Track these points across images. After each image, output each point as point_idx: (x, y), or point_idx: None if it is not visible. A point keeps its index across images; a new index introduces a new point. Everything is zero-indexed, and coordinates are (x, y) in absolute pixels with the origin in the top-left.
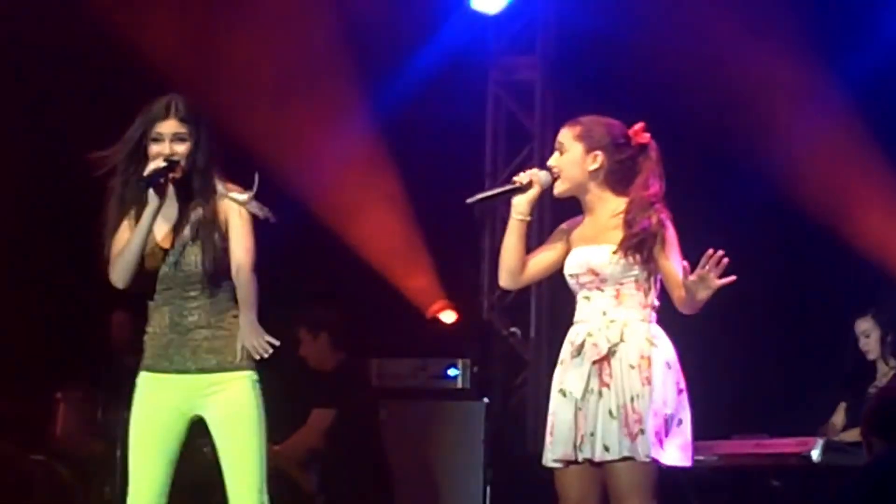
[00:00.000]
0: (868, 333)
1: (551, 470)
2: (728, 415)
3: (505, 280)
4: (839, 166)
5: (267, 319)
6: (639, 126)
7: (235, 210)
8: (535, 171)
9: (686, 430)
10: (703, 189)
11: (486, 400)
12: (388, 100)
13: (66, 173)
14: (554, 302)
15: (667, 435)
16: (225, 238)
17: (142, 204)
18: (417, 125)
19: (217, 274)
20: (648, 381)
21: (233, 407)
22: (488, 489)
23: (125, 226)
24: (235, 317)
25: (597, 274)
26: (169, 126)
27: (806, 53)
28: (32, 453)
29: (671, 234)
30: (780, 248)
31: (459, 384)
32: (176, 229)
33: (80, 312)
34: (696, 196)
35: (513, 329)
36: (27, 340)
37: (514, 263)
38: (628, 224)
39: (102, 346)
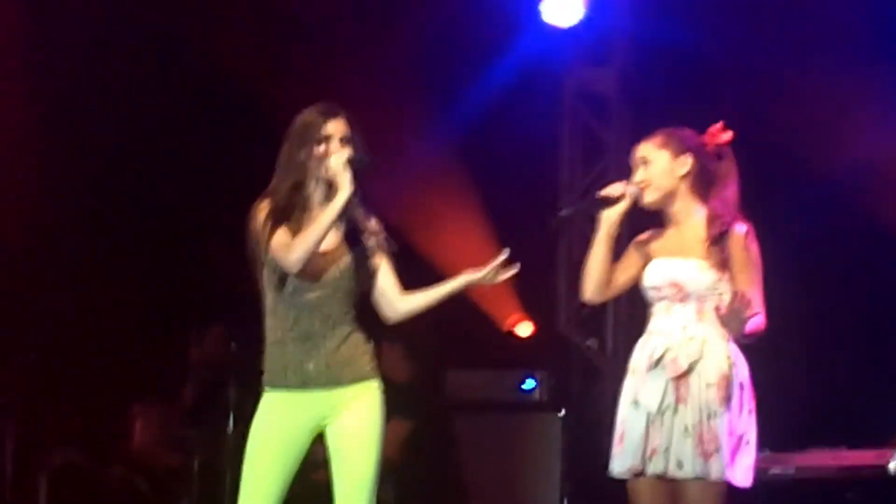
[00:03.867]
0: None
1: (623, 482)
2: (805, 427)
3: (591, 294)
4: None
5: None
6: (717, 126)
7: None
8: (624, 183)
9: (753, 450)
10: (777, 201)
11: (562, 412)
12: (465, 114)
13: (149, 185)
14: (631, 314)
15: (736, 455)
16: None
17: (301, 209)
18: (494, 138)
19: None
20: (726, 400)
21: (359, 421)
22: (565, 502)
23: (284, 230)
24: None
25: (680, 287)
26: (338, 126)
27: (877, 60)
28: (110, 466)
29: (753, 247)
30: (854, 258)
31: (536, 396)
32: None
33: (161, 325)
34: (769, 207)
35: (589, 341)
36: (106, 353)
37: (602, 277)
38: (715, 236)
39: (181, 359)
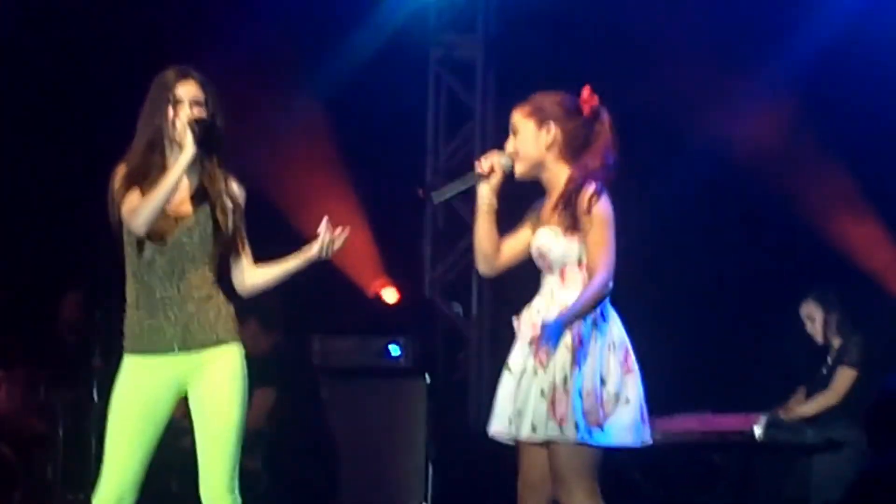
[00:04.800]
0: (812, 317)
1: (495, 445)
2: (672, 392)
3: (483, 268)
4: (784, 144)
5: None
6: (586, 91)
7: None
8: (495, 156)
9: (634, 409)
10: (649, 169)
11: (427, 377)
12: (330, 83)
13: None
14: (496, 280)
15: (606, 415)
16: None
17: (158, 169)
18: (360, 106)
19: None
20: (577, 363)
21: (220, 384)
22: (430, 466)
23: (137, 191)
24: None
25: (544, 256)
26: (189, 89)
27: (758, 26)
28: None
29: (598, 210)
30: (729, 228)
31: (401, 362)
32: (189, 197)
33: (25, 292)
34: (640, 176)
35: (455, 306)
36: None
37: (489, 251)
38: (564, 202)
39: (47, 325)
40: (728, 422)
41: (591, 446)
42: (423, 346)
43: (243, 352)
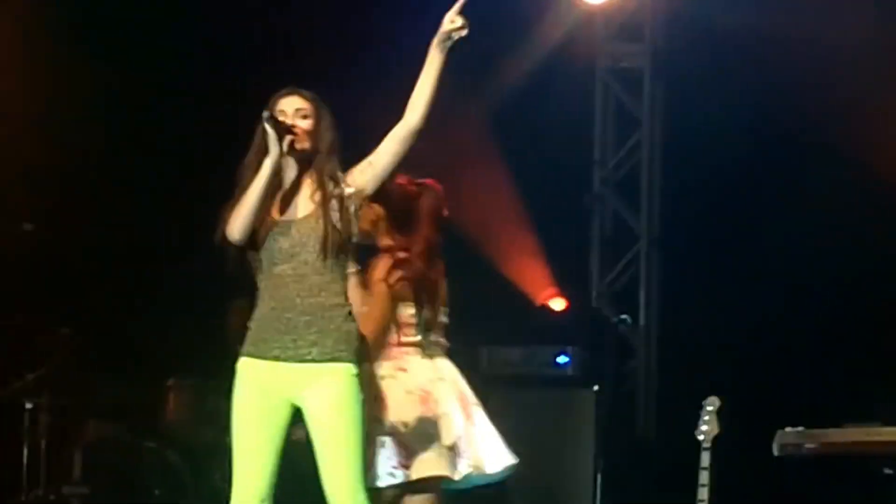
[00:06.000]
0: None
1: (664, 455)
2: (840, 404)
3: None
4: None
5: None
6: None
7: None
8: None
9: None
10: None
11: (595, 388)
12: (499, 90)
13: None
14: (665, 290)
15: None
16: (344, 215)
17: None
18: (527, 114)
19: (329, 250)
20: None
21: (329, 400)
22: (599, 477)
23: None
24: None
25: None
26: (292, 101)
27: None
28: (144, 440)
29: None
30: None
31: (569, 372)
32: (294, 203)
33: (195, 300)
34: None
35: (623, 316)
36: (141, 328)
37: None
38: None
39: (215, 334)
40: None
41: None
42: (591, 356)
43: (356, 371)
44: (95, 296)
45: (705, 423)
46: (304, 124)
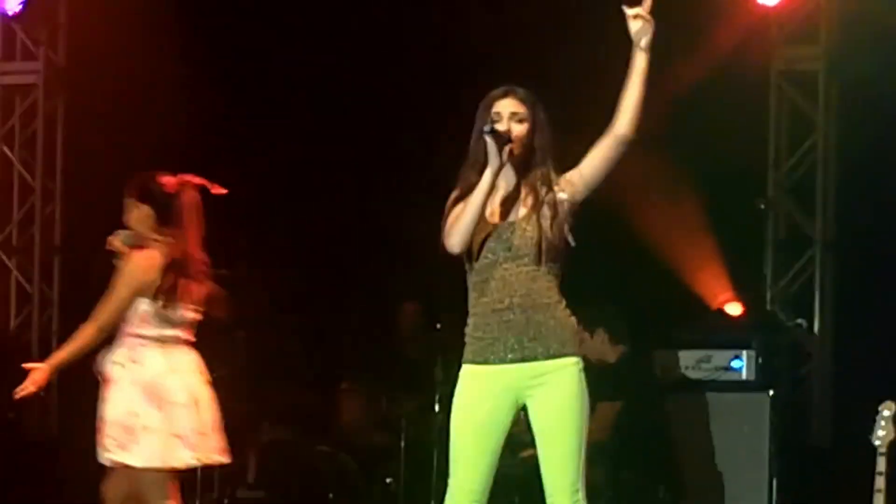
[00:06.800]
0: None
1: (839, 460)
2: None
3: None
4: None
5: None
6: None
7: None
8: None
9: (154, 435)
10: None
11: (770, 392)
12: (672, 92)
13: (355, 170)
14: (841, 294)
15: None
16: (557, 218)
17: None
18: (701, 117)
19: (545, 251)
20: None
21: (557, 396)
22: (775, 481)
23: (461, 206)
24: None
25: None
26: (508, 104)
27: None
28: (317, 443)
29: None
30: None
31: (744, 376)
32: (511, 206)
33: (368, 304)
34: None
35: (798, 320)
36: (314, 330)
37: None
38: None
39: (388, 337)
40: None
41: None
42: (767, 360)
43: (582, 365)
44: (269, 299)
45: (881, 427)
46: (520, 129)
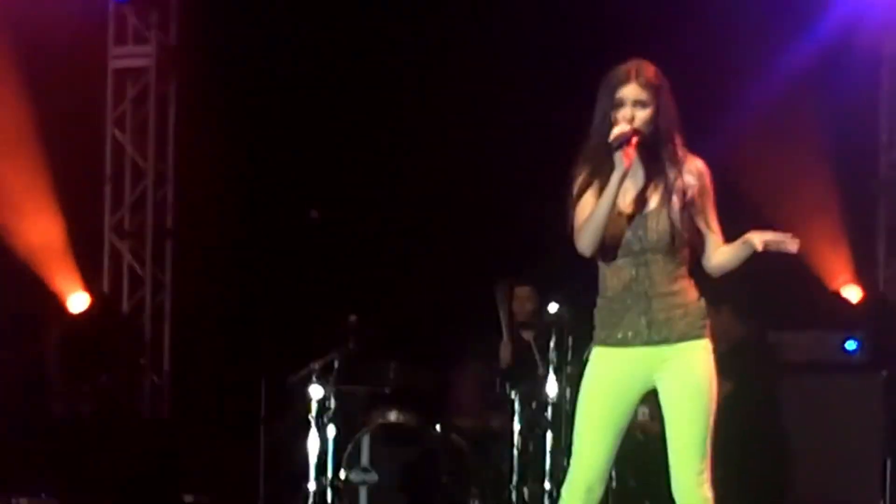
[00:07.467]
0: None
1: None
2: None
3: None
4: None
5: None
6: None
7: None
8: None
9: None
10: None
11: (884, 373)
12: (785, 76)
13: (460, 146)
14: None
15: None
16: (687, 206)
17: (607, 173)
18: (813, 101)
19: (677, 241)
20: None
21: (687, 378)
22: (888, 462)
23: (590, 194)
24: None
25: None
26: (630, 91)
27: None
28: (431, 426)
29: None
30: None
31: (858, 357)
32: (640, 196)
33: (478, 286)
34: None
35: None
36: (428, 315)
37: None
38: None
39: (500, 319)
40: None
41: None
42: (881, 342)
43: (710, 347)
44: (382, 283)
45: None
46: (643, 114)
